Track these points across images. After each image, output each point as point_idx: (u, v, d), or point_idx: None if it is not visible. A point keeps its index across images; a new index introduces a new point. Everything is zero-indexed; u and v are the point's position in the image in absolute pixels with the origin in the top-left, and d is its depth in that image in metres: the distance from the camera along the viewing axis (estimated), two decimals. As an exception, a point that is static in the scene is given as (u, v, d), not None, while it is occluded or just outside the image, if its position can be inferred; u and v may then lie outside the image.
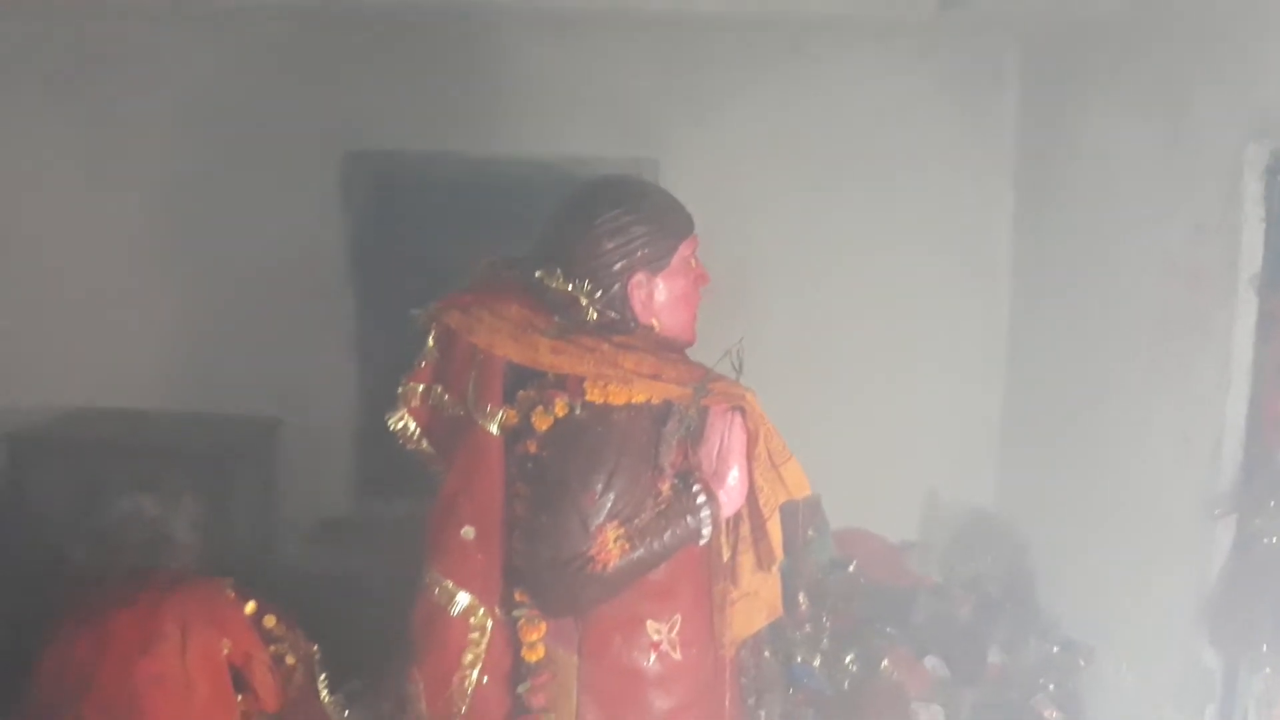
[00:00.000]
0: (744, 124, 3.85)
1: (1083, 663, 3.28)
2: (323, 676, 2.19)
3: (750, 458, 1.77)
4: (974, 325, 4.00)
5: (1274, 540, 2.48)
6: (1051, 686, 3.28)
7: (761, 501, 1.77)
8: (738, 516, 1.82)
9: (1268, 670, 2.52)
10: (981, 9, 3.37)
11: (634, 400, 1.76)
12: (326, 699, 2.18)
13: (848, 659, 3.29)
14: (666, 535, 1.74)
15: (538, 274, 1.85)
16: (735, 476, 1.78)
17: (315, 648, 2.20)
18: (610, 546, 1.72)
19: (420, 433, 1.97)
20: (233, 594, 2.10)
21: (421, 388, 1.94)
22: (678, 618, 1.84)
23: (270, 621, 2.14)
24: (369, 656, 2.82)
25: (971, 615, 3.63)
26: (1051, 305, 3.71)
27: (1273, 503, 2.45)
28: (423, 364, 1.93)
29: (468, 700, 1.87)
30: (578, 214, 1.85)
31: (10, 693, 3.03)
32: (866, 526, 3.93)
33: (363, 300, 3.83)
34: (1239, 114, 2.66)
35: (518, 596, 1.84)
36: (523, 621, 1.84)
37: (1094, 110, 3.37)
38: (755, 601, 1.89)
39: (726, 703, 1.92)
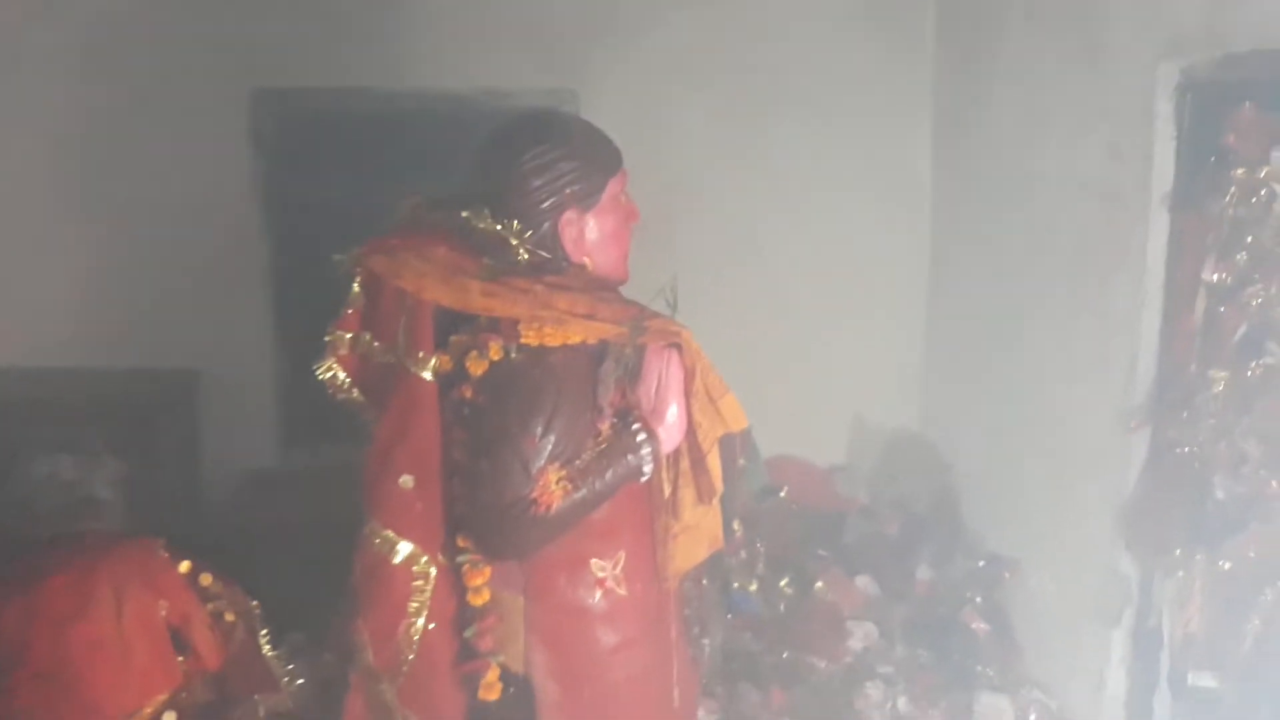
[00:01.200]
0: (664, 52, 3.80)
1: (1008, 575, 3.40)
2: (264, 631, 2.15)
3: (688, 394, 1.77)
4: (896, 248, 4.05)
5: (1185, 450, 2.57)
6: (978, 599, 3.40)
7: (700, 436, 1.78)
8: (677, 452, 1.82)
9: (1180, 574, 2.63)
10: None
11: (569, 341, 1.73)
12: (269, 654, 2.15)
13: (783, 582, 3.37)
14: (608, 474, 1.74)
15: (464, 214, 1.80)
16: (674, 413, 1.78)
17: (255, 603, 2.16)
18: (552, 489, 1.71)
19: (350, 382, 1.93)
20: (166, 554, 2.05)
21: (349, 335, 1.90)
22: (621, 554, 1.85)
23: (206, 580, 2.10)
24: (307, 608, 2.81)
25: (899, 534, 3.74)
26: (972, 227, 3.76)
27: (1185, 414, 2.54)
28: (349, 311, 1.89)
29: (415, 648, 1.86)
30: (502, 151, 1.80)
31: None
32: (795, 453, 4.00)
33: (277, 244, 3.72)
34: (1151, 33, 2.70)
35: (460, 542, 1.82)
36: (466, 567, 1.83)
37: (1011, 32, 3.40)
38: (697, 534, 1.90)
39: (673, 634, 1.95)
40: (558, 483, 1.71)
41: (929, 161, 4.01)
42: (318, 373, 1.91)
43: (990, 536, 3.58)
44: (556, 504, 1.71)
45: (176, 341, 3.61)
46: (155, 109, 3.54)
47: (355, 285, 1.87)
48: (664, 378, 1.77)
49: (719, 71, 3.85)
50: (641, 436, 1.76)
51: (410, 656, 1.86)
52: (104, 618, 1.90)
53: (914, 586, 3.56)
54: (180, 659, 2.01)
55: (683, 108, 3.82)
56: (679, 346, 1.77)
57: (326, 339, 1.90)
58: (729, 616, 3.25)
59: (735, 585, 3.34)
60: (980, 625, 3.31)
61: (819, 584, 3.38)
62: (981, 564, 3.51)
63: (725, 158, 3.87)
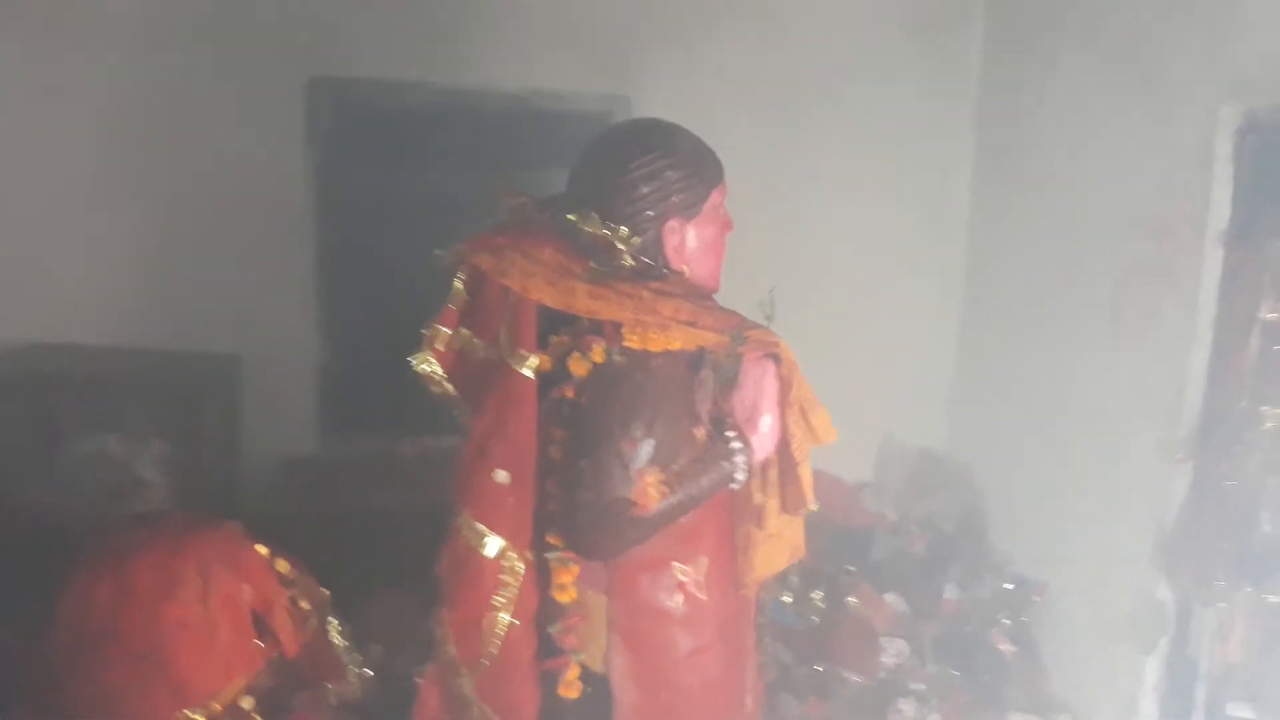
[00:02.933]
0: (715, 62, 3.83)
1: (1037, 598, 3.44)
2: (334, 621, 2.17)
3: (784, 405, 1.80)
4: (930, 269, 4.09)
5: (1232, 484, 2.63)
6: (1006, 621, 3.45)
7: (794, 447, 1.81)
8: (766, 461, 1.86)
9: (1223, 604, 2.69)
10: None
11: (670, 347, 1.77)
12: (340, 643, 2.17)
13: (816, 595, 3.40)
14: (703, 480, 1.77)
15: (571, 217, 1.83)
16: (767, 423, 1.81)
17: (327, 592, 2.18)
18: (650, 491, 1.73)
19: (444, 376, 1.94)
20: (246, 538, 2.06)
21: (448, 331, 1.91)
22: (703, 560, 1.88)
23: (283, 566, 2.11)
24: (348, 598, 2.82)
25: (926, 552, 3.78)
26: (1011, 251, 3.81)
27: (1236, 448, 2.59)
28: (449, 307, 1.90)
29: (498, 642, 1.88)
30: (612, 157, 1.83)
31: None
32: (824, 468, 4.02)
33: (325, 231, 3.71)
34: (1212, 76, 2.76)
35: (550, 539, 1.85)
36: (555, 564, 1.85)
37: (1062, 64, 3.44)
38: (779, 543, 1.94)
39: (749, 641, 1.98)
40: (655, 485, 1.74)
41: (969, 182, 4.06)
42: (414, 364, 1.92)
43: (1018, 559, 3.62)
44: (653, 506, 1.74)
45: (220, 325, 3.60)
46: (210, 91, 3.53)
47: (458, 282, 1.89)
48: (759, 387, 1.81)
49: (767, 83, 3.89)
50: (737, 444, 1.79)
51: (493, 650, 1.88)
52: (191, 599, 1.91)
53: (941, 605, 3.60)
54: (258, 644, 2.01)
55: (731, 117, 3.80)
56: (776, 357, 1.80)
57: (424, 332, 1.91)
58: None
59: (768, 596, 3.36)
60: (1007, 647, 3.35)
61: (851, 599, 3.41)
62: (1009, 586, 3.55)
63: (769, 169, 3.88)
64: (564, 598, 1.86)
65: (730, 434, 1.79)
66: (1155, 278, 2.98)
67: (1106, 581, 3.13)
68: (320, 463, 3.69)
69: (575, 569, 1.85)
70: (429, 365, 1.93)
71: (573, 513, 1.77)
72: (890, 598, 3.56)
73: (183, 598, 1.89)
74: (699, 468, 1.77)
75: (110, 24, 3.47)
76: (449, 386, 1.96)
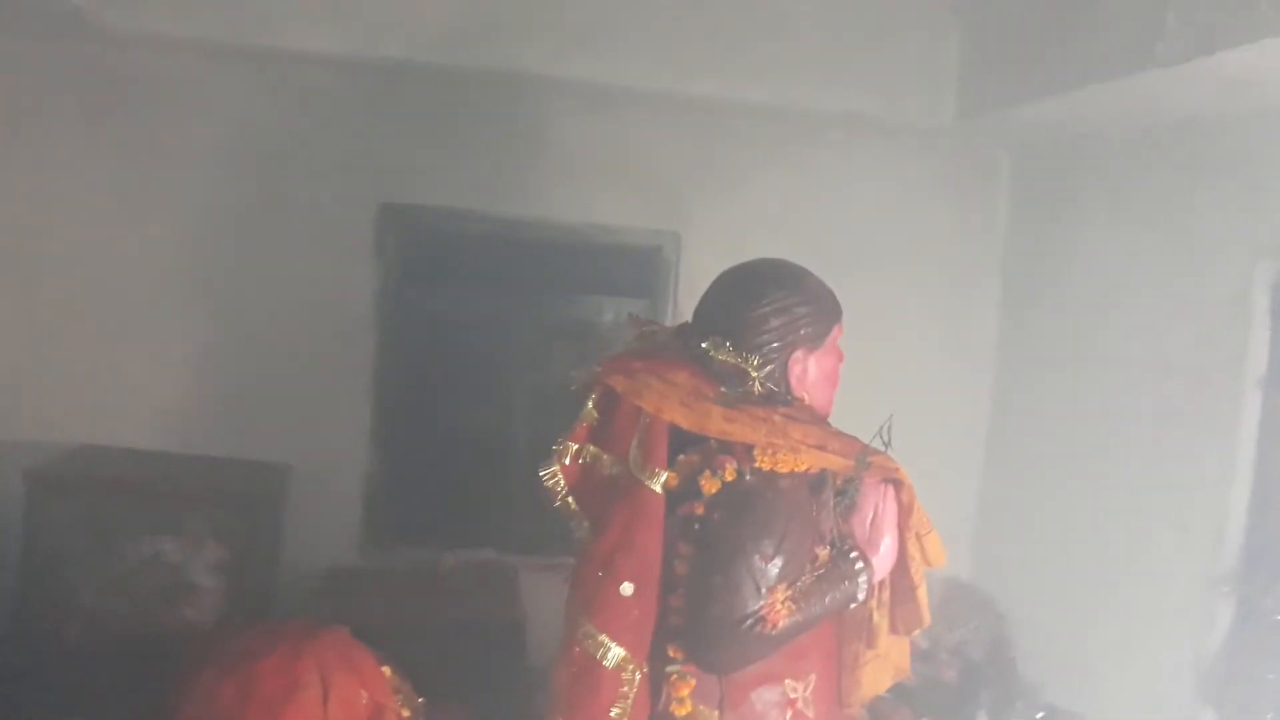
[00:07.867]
0: (760, 204, 4.06)
1: (1070, 728, 3.50)
2: (426, 729, 2.19)
3: (903, 528, 1.91)
4: (956, 405, 4.26)
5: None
6: (1040, 751, 3.49)
7: (913, 570, 1.91)
8: (880, 583, 1.95)
9: (1271, 736, 2.77)
10: (992, 119, 3.66)
11: (797, 469, 1.87)
12: (431, 751, 2.18)
13: (857, 722, 3.42)
14: (827, 598, 1.85)
15: (704, 345, 1.95)
16: (887, 545, 1.92)
17: (421, 700, 2.21)
18: (779, 607, 1.81)
19: (567, 490, 2.02)
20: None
21: (576, 446, 2.00)
22: (813, 676, 1.94)
23: (387, 671, 2.14)
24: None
25: (958, 680, 3.82)
26: (1036, 390, 3.98)
27: (1282, 584, 2.72)
28: (581, 424, 2.00)
29: (612, 752, 1.92)
30: (746, 293, 1.97)
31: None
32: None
33: (382, 350, 3.82)
34: (1246, 234, 2.98)
35: (672, 652, 1.91)
36: (674, 677, 1.91)
37: (1091, 220, 3.67)
38: (884, 663, 2.02)
39: (851, 759, 2.03)
40: (784, 602, 1.82)
41: (995, 324, 4.26)
42: (543, 477, 2.00)
43: (1049, 688, 3.68)
44: (782, 622, 1.81)
45: (272, 433, 3.68)
46: (283, 210, 3.69)
47: (590, 402, 1.99)
48: (880, 510, 1.92)
49: (806, 224, 4.09)
50: (860, 565, 1.88)
51: (606, 760, 1.91)
52: (312, 702, 1.93)
53: (974, 734, 3.64)
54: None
55: (771, 254, 4.03)
56: (898, 482, 1.91)
57: (554, 448, 2.00)
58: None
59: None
60: (1043, 777, 3.38)
61: (891, 726, 3.44)
62: (1040, 715, 3.60)
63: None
64: (680, 711, 1.91)
65: (854, 554, 1.89)
66: (1191, 422, 3.14)
67: (1147, 711, 3.19)
68: (360, 573, 3.71)
69: (693, 682, 1.91)
70: (556, 479, 2.01)
71: (700, 626, 1.84)
72: (926, 726, 3.59)
73: (303, 701, 1.92)
74: (824, 586, 1.85)
75: (195, 143, 3.64)
76: (570, 501, 2.04)
